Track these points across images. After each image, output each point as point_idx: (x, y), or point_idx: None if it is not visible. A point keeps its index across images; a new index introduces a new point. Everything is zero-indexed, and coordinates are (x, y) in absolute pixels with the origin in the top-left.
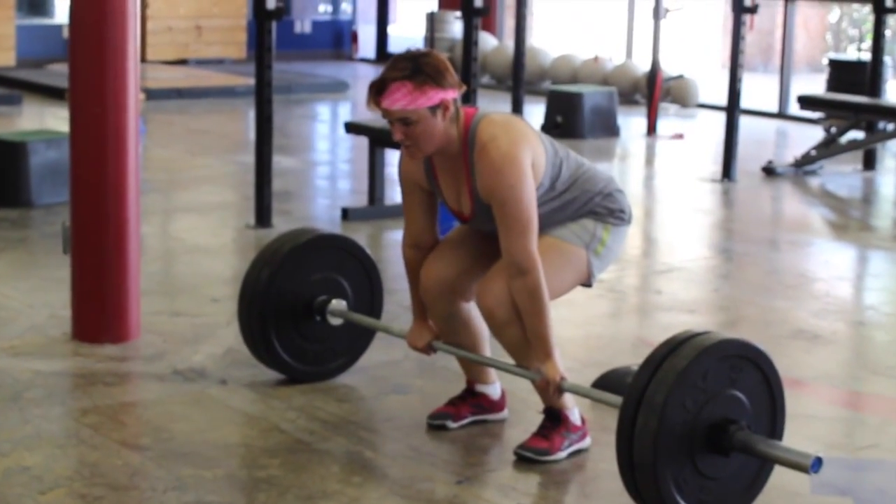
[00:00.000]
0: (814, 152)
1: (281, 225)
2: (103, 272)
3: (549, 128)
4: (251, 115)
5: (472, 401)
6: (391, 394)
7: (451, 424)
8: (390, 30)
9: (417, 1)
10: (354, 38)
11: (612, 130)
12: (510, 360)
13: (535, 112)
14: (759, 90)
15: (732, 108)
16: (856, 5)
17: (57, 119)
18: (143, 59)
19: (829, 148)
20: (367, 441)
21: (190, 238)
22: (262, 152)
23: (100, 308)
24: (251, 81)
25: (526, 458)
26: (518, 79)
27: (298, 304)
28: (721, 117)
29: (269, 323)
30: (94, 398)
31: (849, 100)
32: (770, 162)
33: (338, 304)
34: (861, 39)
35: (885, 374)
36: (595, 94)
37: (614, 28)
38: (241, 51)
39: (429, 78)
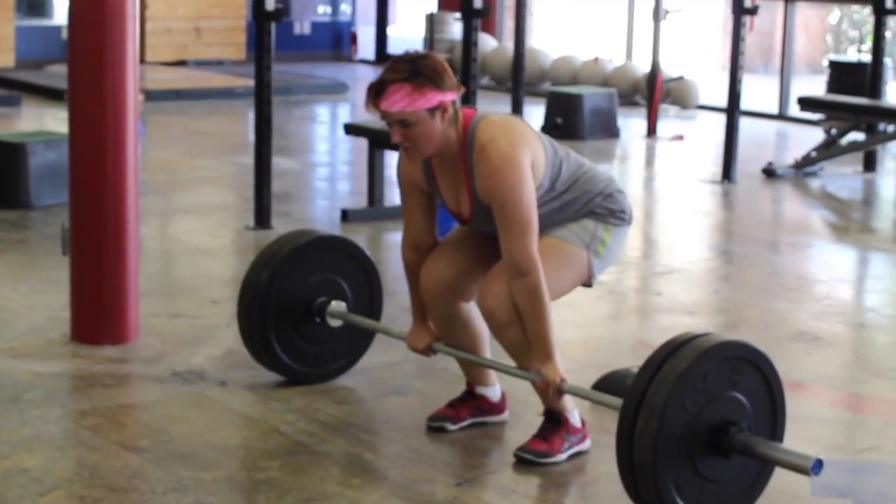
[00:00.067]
0: (814, 154)
1: (280, 226)
2: (102, 274)
3: (549, 129)
4: (250, 116)
5: (471, 403)
6: (391, 395)
7: (450, 426)
8: (390, 31)
9: (417, 2)
10: (354, 39)
11: (612, 132)
12: (510, 362)
13: (535, 113)
14: (759, 92)
15: (732, 110)
16: (856, 7)
17: (56, 120)
18: (142, 61)
19: (829, 149)
20: (366, 443)
21: (189, 239)
22: (262, 154)
23: (99, 309)
24: (250, 83)
25: (526, 461)
26: (518, 80)
27: (298, 306)
28: (721, 119)
29: (268, 324)
30: (93, 400)
31: (849, 101)
32: (770, 163)
33: (337, 305)
34: (861, 41)
35: (886, 376)
36: (595, 96)
37: (614, 29)
38: (240, 52)
39: (427, 80)
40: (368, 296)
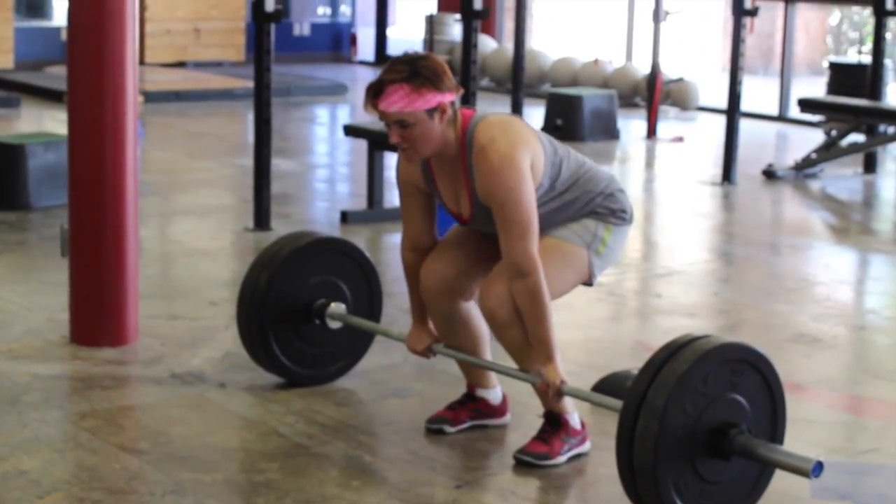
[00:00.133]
0: (814, 155)
1: (280, 228)
2: (101, 275)
3: (549, 131)
4: (250, 117)
5: (471, 405)
6: (390, 397)
7: (449, 429)
8: (389, 32)
9: (416, 3)
10: (353, 40)
11: (611, 133)
12: (511, 364)
13: (535, 115)
14: (759, 93)
15: (732, 111)
16: (856, 8)
17: (55, 121)
18: (142, 62)
19: (829, 151)
20: (366, 445)
21: (188, 241)
22: (261, 155)
23: (98, 311)
24: (250, 84)
25: (525, 463)
26: (518, 81)
27: (297, 308)
28: (721, 120)
29: (267, 326)
30: (92, 402)
31: (849, 103)
32: (770, 165)
33: (337, 307)
34: (861, 42)
35: (886, 378)
36: (595, 97)
37: (614, 31)
38: (239, 53)
39: (426, 81)
40: (368, 297)
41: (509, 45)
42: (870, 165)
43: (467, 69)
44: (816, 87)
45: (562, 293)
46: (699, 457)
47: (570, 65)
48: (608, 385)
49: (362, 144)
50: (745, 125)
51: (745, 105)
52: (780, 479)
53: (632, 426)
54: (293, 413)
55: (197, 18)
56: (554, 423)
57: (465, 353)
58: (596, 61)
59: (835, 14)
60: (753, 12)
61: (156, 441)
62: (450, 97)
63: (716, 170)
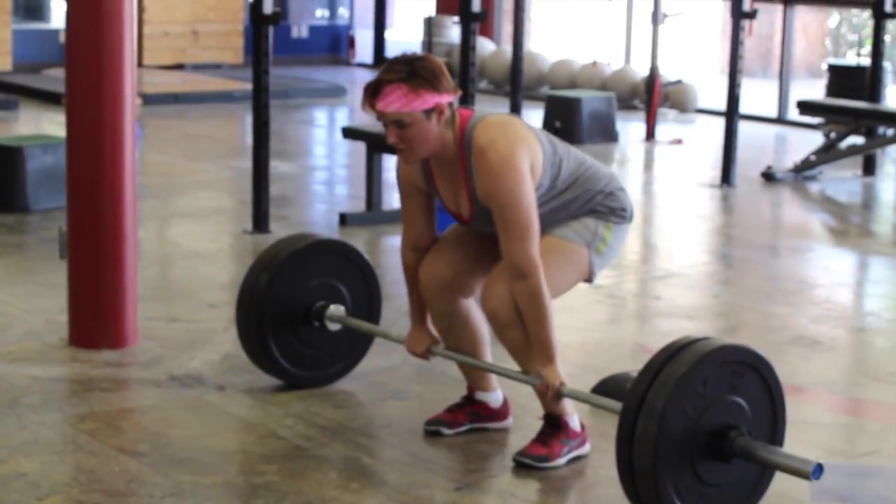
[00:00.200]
0: (813, 158)
1: (278, 230)
2: (100, 277)
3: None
4: (248, 119)
5: (470, 408)
6: (389, 400)
7: (446, 431)
8: (388, 34)
9: (415, 5)
10: (352, 42)
11: (610, 136)
12: (511, 366)
13: (534, 117)
14: (758, 95)
15: (731, 114)
16: (855, 10)
17: (53, 124)
18: (140, 64)
19: (828, 153)
20: (365, 447)
21: (187, 243)
22: (260, 157)
23: (97, 313)
24: (248, 86)
25: (525, 465)
26: (516, 84)
27: (297, 310)
28: (720, 122)
29: (267, 328)
30: (91, 404)
31: (848, 105)
32: (769, 167)
33: (336, 309)
34: (860, 44)
35: (886, 380)
36: (593, 100)
37: (613, 33)
38: (237, 56)
39: (424, 81)
40: (367, 299)
41: (508, 48)
42: (869, 168)
43: (466, 71)
44: (815, 90)
45: (563, 291)
46: (699, 459)
47: (568, 67)
48: (607, 387)
49: (361, 147)
50: (743, 127)
51: (744, 107)
52: (779, 481)
53: (631, 428)
54: (292, 415)
55: (195, 21)
56: (554, 426)
57: (465, 355)
58: (594, 63)
59: (834, 16)
60: (752, 15)
61: (155, 443)
62: (447, 98)
63: (715, 172)
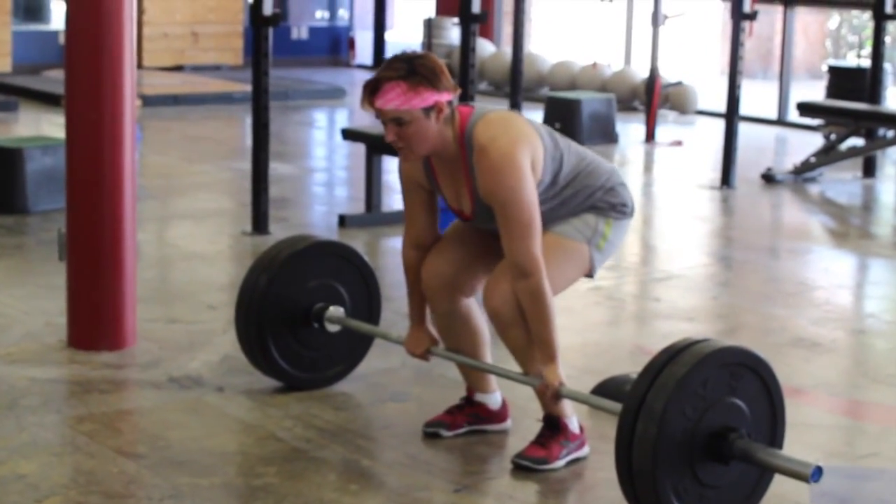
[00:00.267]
0: (813, 159)
1: (278, 232)
2: (99, 279)
3: None
4: (248, 121)
5: (469, 410)
6: (388, 402)
7: (445, 433)
8: (388, 36)
9: (415, 7)
10: (351, 44)
11: (610, 137)
12: (511, 367)
13: (534, 118)
14: (758, 97)
15: (731, 115)
16: (855, 11)
17: (53, 125)
18: (140, 66)
19: (828, 155)
20: (364, 449)
21: (186, 245)
22: (259, 159)
23: (96, 315)
24: (248, 88)
25: (524, 467)
26: (516, 85)
27: (296, 311)
28: (720, 124)
29: (266, 329)
30: (89, 406)
31: (848, 107)
32: (769, 169)
33: (335, 310)
34: (861, 46)
35: (886, 382)
36: (593, 101)
37: (613, 34)
38: (237, 57)
39: (423, 79)
40: (366, 301)
41: (508, 49)
42: (869, 169)
43: (465, 73)
44: (815, 91)
45: (564, 288)
46: (698, 461)
47: (568, 68)
48: (607, 389)
49: (360, 148)
50: (744, 129)
51: (744, 109)
52: (779, 483)
53: (631, 430)
54: (291, 417)
55: (195, 22)
56: (553, 428)
57: (465, 355)
58: (594, 65)
59: (834, 18)
60: (752, 16)
61: (154, 445)
62: (447, 96)
63: (715, 174)
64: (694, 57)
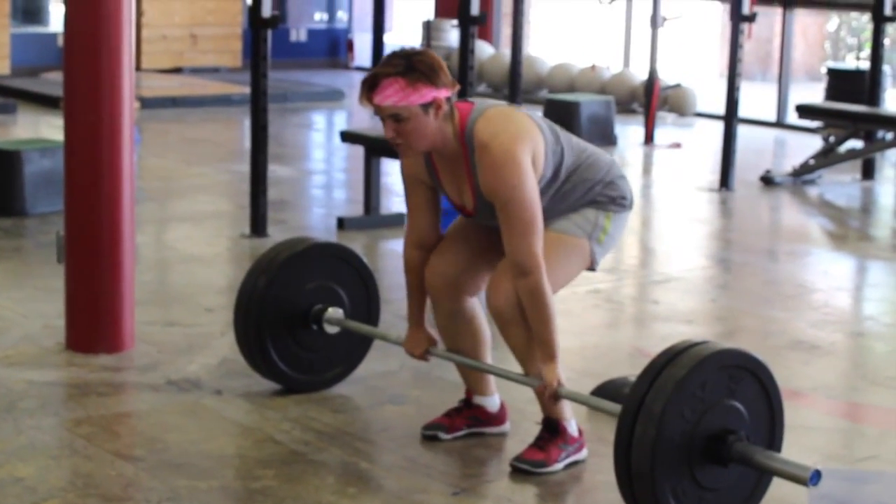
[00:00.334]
0: (812, 162)
1: (276, 234)
2: (97, 282)
3: None
4: (246, 123)
5: (467, 413)
6: (387, 404)
7: (444, 436)
8: (387, 38)
9: (414, 9)
10: (350, 46)
11: (609, 139)
12: (510, 368)
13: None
14: (757, 99)
15: (730, 117)
16: (854, 14)
17: (51, 128)
18: (138, 68)
19: (827, 157)
20: (362, 452)
21: (185, 247)
22: (258, 161)
23: (94, 318)
24: (246, 90)
25: (522, 471)
26: (515, 87)
27: (295, 313)
28: (719, 126)
29: (265, 331)
30: (87, 408)
31: (847, 109)
32: (768, 171)
33: (334, 312)
34: (860, 48)
35: (884, 384)
36: (592, 103)
37: (612, 37)
38: (236, 59)
39: (422, 75)
40: (365, 303)
41: (506, 51)
42: (868, 171)
43: (464, 75)
44: (814, 93)
45: (566, 283)
46: (697, 463)
47: (567, 71)
48: (605, 391)
49: (359, 151)
50: (742, 131)
51: (743, 111)
52: (777, 486)
53: (630, 431)
54: (289, 420)
55: (193, 24)
56: (551, 431)
57: (465, 356)
58: (593, 67)
59: (833, 20)
60: (751, 18)
61: (152, 448)
62: (445, 93)
63: (713, 176)
64: (693, 59)
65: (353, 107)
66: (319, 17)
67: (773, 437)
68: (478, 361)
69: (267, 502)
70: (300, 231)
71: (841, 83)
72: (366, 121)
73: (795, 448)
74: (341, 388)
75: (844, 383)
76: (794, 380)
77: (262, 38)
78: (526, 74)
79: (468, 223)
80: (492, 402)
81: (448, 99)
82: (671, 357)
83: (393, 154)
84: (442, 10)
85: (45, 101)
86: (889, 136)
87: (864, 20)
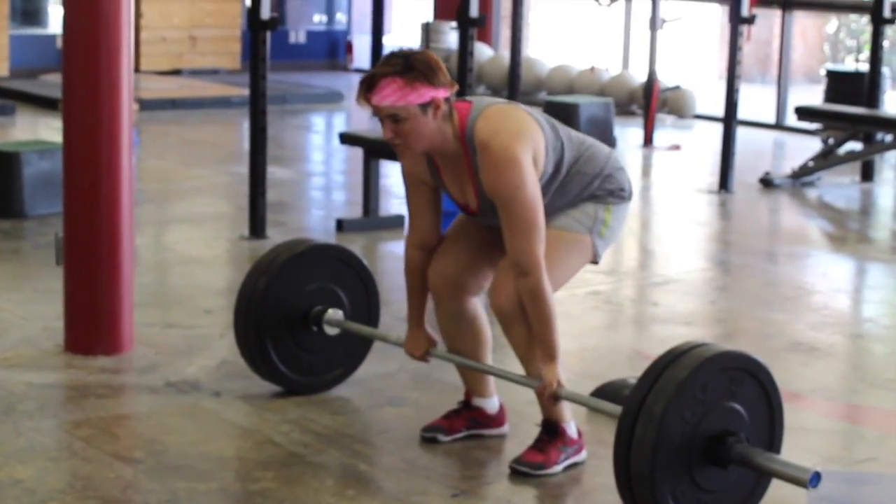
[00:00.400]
0: (811, 163)
1: (275, 236)
2: (96, 283)
3: None
4: (245, 125)
5: (466, 414)
6: (386, 406)
7: (443, 438)
8: (386, 40)
9: (413, 11)
10: (349, 48)
11: (608, 141)
12: (510, 369)
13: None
14: (756, 101)
15: (729, 119)
16: (854, 16)
17: (50, 129)
18: (137, 70)
19: (826, 159)
20: (361, 454)
21: (184, 249)
22: (257, 163)
23: (93, 320)
24: (245, 92)
25: (521, 473)
26: (514, 89)
27: (295, 314)
28: (718, 128)
29: (265, 332)
30: (86, 410)
31: (846, 111)
32: (767, 173)
33: (334, 313)
34: (859, 50)
35: (884, 386)
36: (591, 105)
37: (611, 38)
38: (235, 61)
39: (420, 75)
40: (365, 305)
41: (506, 53)
42: (867, 173)
43: (463, 77)
44: (814, 95)
45: (569, 278)
46: (696, 465)
47: (566, 72)
48: (605, 393)
49: (358, 152)
50: (741, 133)
51: (742, 113)
52: (776, 487)
53: (630, 432)
54: (288, 422)
55: (192, 26)
56: (551, 433)
57: (466, 357)
58: (592, 69)
59: (832, 22)
60: (750, 20)
61: (150, 450)
62: (444, 93)
63: (713, 178)
64: (692, 61)
65: (352, 109)
66: (318, 18)
67: (773, 439)
68: (478, 362)
69: None
70: (299, 233)
71: (840, 85)
72: (365, 123)
73: (794, 450)
74: (340, 389)
75: (844, 385)
76: (794, 382)
77: (261, 39)
78: (525, 76)
79: (469, 221)
80: (491, 404)
81: (447, 99)
82: (672, 358)
83: (392, 156)
84: (441, 11)
85: (44, 103)
86: (888, 137)
87: (863, 22)
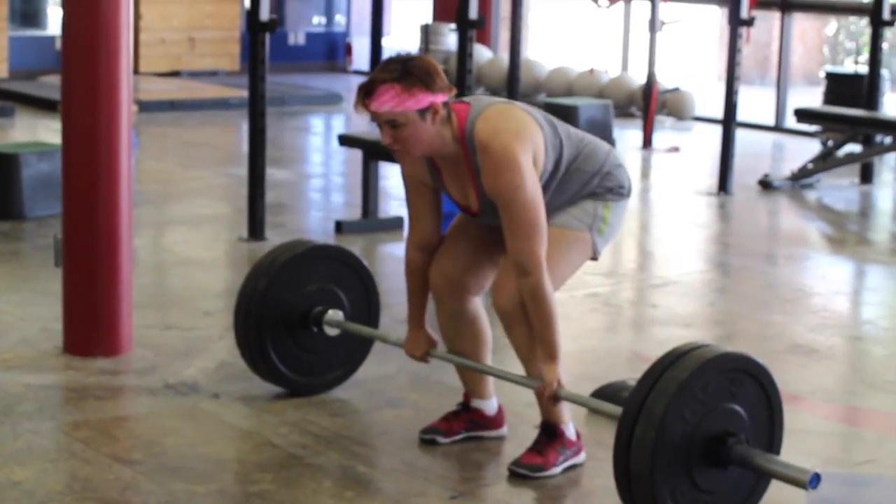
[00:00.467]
0: (810, 166)
1: (274, 238)
2: (95, 285)
3: None
4: (244, 127)
5: (465, 416)
6: (385, 408)
7: (442, 440)
8: (385, 42)
9: (412, 13)
10: (348, 50)
11: (607, 143)
12: (510, 370)
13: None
14: (755, 103)
15: (729, 121)
16: (853, 18)
17: (49, 131)
18: (136, 71)
19: (825, 161)
20: (360, 456)
21: (182, 251)
22: (256, 165)
23: (91, 321)
24: (244, 93)
25: (520, 475)
26: (513, 91)
27: (295, 315)
28: (717, 130)
29: (265, 333)
30: (85, 412)
31: (846, 113)
32: (767, 175)
33: (334, 314)
34: (858, 52)
35: (883, 388)
36: (590, 107)
37: (610, 40)
38: (234, 63)
39: (418, 80)
40: (365, 305)
41: (505, 55)
42: (866, 176)
43: (462, 79)
44: (813, 97)
45: (570, 275)
46: (696, 465)
47: (565, 74)
48: (604, 395)
49: (357, 154)
50: (741, 135)
51: (742, 115)
52: (776, 489)
53: (630, 432)
54: (287, 423)
55: (191, 28)
56: (550, 434)
57: (465, 358)
58: (591, 71)
59: (831, 24)
60: (750, 22)
61: (149, 452)
62: (442, 98)
63: (712, 180)
64: (691, 63)
65: (351, 110)
66: (317, 20)
67: (773, 441)
68: (478, 363)
69: None
70: (298, 234)
71: (839, 87)
72: (364, 124)
73: (794, 452)
74: (339, 391)
75: (843, 387)
76: (793, 383)
77: (260, 41)
78: (524, 78)
79: (469, 221)
80: (490, 406)
81: (445, 104)
82: (673, 359)
83: (391, 158)
84: (440, 13)
85: (43, 105)
86: (887, 140)
87: (862, 24)
